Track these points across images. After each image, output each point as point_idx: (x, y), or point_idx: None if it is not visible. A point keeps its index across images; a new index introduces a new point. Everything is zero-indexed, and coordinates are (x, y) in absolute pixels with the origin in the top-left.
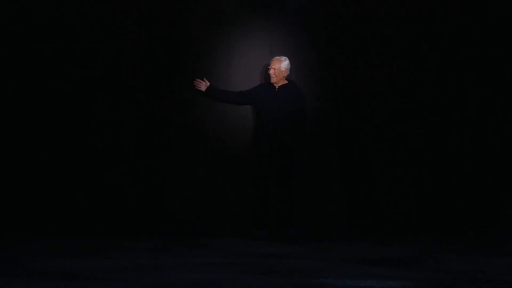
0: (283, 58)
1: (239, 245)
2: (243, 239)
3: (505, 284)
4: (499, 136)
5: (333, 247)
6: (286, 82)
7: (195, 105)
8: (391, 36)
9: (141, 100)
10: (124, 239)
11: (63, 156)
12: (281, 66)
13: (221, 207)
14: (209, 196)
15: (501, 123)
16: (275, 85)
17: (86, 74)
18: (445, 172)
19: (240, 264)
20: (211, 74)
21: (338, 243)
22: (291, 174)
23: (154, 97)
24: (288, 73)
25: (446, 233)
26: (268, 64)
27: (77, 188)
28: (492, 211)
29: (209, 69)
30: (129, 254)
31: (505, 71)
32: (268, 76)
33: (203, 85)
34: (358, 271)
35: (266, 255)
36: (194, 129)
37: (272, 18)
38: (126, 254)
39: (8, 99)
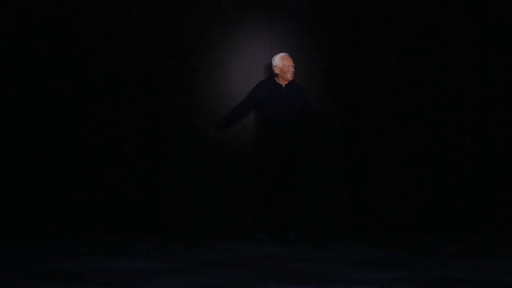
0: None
1: (240, 247)
2: (243, 241)
3: (506, 284)
4: (500, 136)
5: (334, 249)
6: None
7: (195, 105)
8: (393, 35)
9: (141, 100)
10: (123, 240)
11: (63, 156)
12: (293, 62)
13: (221, 207)
14: (209, 196)
15: (502, 123)
16: (282, 83)
17: (86, 74)
18: (447, 172)
19: (241, 266)
20: (210, 74)
21: (339, 245)
22: (294, 175)
23: (154, 97)
24: None
25: (448, 234)
26: (272, 62)
27: (77, 189)
28: (494, 212)
29: (209, 68)
30: (129, 256)
31: (505, 71)
32: (272, 74)
33: (212, 130)
34: (359, 274)
35: (267, 257)
36: (193, 129)
37: (273, 16)
38: (125, 256)
39: (7, 99)
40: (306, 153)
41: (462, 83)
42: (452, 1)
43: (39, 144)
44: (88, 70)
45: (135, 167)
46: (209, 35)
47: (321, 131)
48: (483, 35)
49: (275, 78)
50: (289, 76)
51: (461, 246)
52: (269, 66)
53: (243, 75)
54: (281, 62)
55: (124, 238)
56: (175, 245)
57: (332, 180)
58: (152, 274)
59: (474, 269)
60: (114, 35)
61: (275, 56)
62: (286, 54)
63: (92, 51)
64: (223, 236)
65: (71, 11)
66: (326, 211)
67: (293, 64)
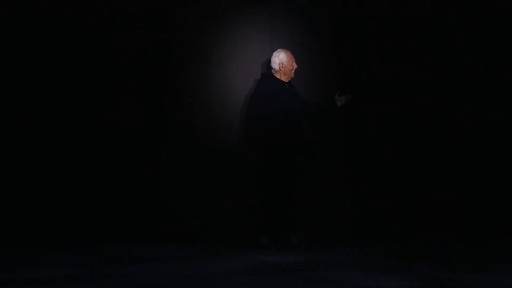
0: None
1: (242, 253)
2: (245, 246)
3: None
4: (503, 136)
5: (337, 255)
6: None
7: (193, 104)
8: (396, 33)
9: (138, 101)
10: (119, 246)
11: (58, 161)
12: None
13: (221, 211)
14: (208, 200)
15: (506, 124)
16: (285, 80)
17: (82, 74)
18: (452, 176)
19: (246, 275)
20: (209, 71)
21: (342, 250)
22: (296, 177)
23: (151, 97)
24: None
25: (453, 240)
26: (273, 58)
27: (70, 193)
28: (501, 216)
29: (207, 66)
30: (128, 263)
31: (508, 71)
32: (269, 70)
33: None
34: (364, 280)
35: (270, 263)
36: (191, 129)
37: (273, 12)
38: (124, 263)
39: (5, 100)
40: (309, 155)
41: (467, 83)
42: (453, 1)
43: (31, 145)
44: (84, 70)
45: (132, 169)
46: (208, 31)
47: (323, 124)
48: (485, 34)
49: (275, 74)
50: (293, 73)
51: (466, 252)
52: (267, 62)
53: (242, 72)
54: (287, 59)
55: (120, 244)
56: (175, 252)
57: (335, 184)
58: (158, 282)
59: (484, 277)
60: (111, 33)
61: (278, 52)
62: (287, 50)
63: (89, 50)
64: (223, 240)
65: (70, 12)
66: (329, 216)
67: (294, 61)
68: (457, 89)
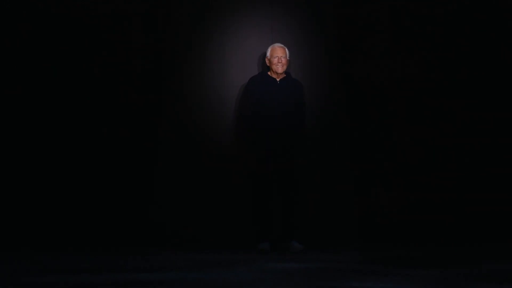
0: (283, 45)
1: (243, 260)
2: (245, 251)
3: None
4: (507, 137)
5: (340, 259)
6: (284, 74)
7: (188, 102)
8: (401, 30)
9: (135, 101)
10: (111, 253)
11: (49, 166)
12: (287, 54)
13: (218, 215)
14: (205, 203)
15: (507, 123)
16: (277, 77)
17: (78, 73)
18: (460, 179)
19: (248, 281)
20: (204, 67)
21: (346, 254)
22: (294, 180)
23: (148, 99)
24: None
25: (465, 244)
26: (266, 53)
27: (62, 200)
28: (502, 219)
29: (202, 61)
30: (125, 272)
31: (508, 71)
32: (265, 67)
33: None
34: (371, 286)
35: (274, 269)
36: (188, 127)
37: (275, 3)
38: (119, 272)
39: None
40: (312, 157)
41: (468, 83)
42: (453, 1)
43: (23, 150)
44: (81, 68)
45: (127, 172)
46: (206, 28)
47: (317, 139)
48: (485, 34)
49: (268, 72)
50: (277, 68)
51: (473, 255)
52: (264, 58)
53: (241, 67)
54: (270, 53)
55: (112, 250)
56: (173, 258)
57: (339, 186)
58: None
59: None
60: (109, 33)
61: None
62: (279, 44)
63: (87, 50)
64: (222, 247)
65: (67, 12)
66: (333, 219)
67: (285, 55)
68: (457, 89)
